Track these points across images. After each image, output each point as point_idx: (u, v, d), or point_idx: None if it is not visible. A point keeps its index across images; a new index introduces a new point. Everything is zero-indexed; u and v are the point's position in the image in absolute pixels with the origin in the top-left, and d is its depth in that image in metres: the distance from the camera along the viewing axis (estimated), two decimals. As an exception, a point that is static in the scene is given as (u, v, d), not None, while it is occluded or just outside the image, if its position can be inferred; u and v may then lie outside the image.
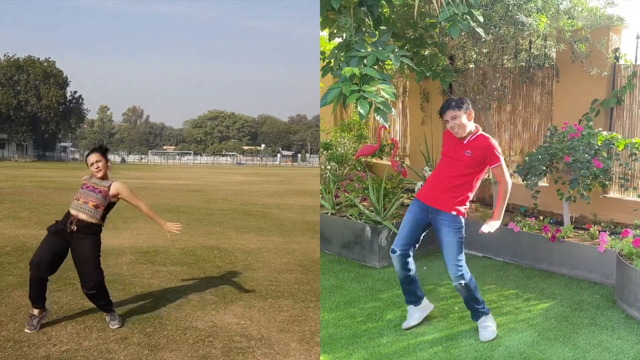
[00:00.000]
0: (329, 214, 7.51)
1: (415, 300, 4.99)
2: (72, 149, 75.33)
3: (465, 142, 4.64)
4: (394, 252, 4.83)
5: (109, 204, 4.56)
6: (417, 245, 4.88)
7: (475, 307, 4.77)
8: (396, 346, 4.55)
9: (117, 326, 4.48)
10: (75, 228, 4.40)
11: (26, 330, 4.36)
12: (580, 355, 4.36)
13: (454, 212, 4.62)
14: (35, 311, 4.46)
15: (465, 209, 4.68)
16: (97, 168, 4.54)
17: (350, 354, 4.44)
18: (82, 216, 4.43)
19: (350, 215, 7.27)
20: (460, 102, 4.64)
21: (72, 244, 4.44)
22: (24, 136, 59.91)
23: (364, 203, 7.78)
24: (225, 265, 6.87)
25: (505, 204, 4.70)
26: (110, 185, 4.54)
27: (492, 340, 4.63)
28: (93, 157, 4.57)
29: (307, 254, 7.62)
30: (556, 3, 6.94)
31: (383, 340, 4.66)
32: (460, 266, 4.61)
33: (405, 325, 4.92)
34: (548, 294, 5.75)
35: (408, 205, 7.89)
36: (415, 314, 4.98)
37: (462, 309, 5.30)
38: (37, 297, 4.45)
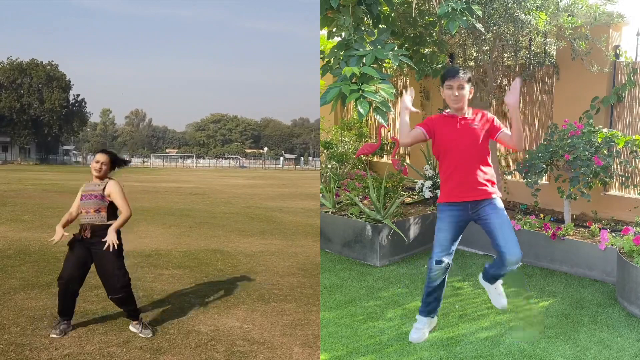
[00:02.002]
0: (330, 213, 7.52)
1: (433, 310, 4.70)
2: (75, 152, 75.57)
3: (466, 116, 4.39)
4: (440, 263, 4.51)
5: (110, 203, 4.46)
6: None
7: (501, 275, 4.56)
8: (397, 345, 4.55)
9: (150, 335, 4.39)
10: (90, 235, 4.38)
11: (52, 335, 4.31)
12: (580, 353, 4.35)
13: (494, 195, 4.41)
14: (65, 321, 4.45)
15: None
16: (98, 168, 4.47)
17: (351, 352, 4.43)
18: (93, 224, 4.42)
19: (351, 214, 7.28)
20: (469, 76, 4.39)
21: (94, 252, 4.38)
22: (27, 139, 60.08)
23: (365, 202, 7.79)
24: (228, 268, 6.86)
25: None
26: (105, 185, 4.47)
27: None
28: (100, 157, 4.53)
29: (310, 258, 7.61)
30: (556, 0, 6.94)
31: (384, 339, 4.66)
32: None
33: (418, 338, 4.61)
34: (549, 291, 5.75)
35: (409, 204, 8.00)
36: (425, 328, 4.68)
37: (462, 307, 5.31)
38: (68, 310, 4.48)
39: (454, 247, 4.60)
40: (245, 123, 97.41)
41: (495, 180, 4.49)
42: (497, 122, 4.44)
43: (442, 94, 4.47)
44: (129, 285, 4.44)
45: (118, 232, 4.44)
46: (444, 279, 4.65)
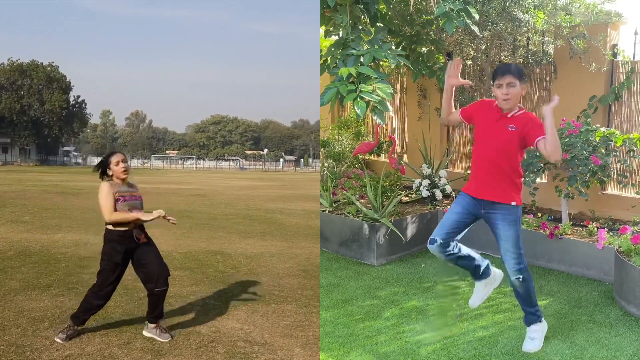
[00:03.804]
0: (327, 212, 7.53)
1: (481, 275, 4.51)
2: (75, 153, 75.55)
3: (509, 115, 4.14)
4: (432, 242, 4.30)
5: None
6: (460, 237, 4.40)
7: (528, 310, 4.44)
8: (394, 344, 4.56)
9: (168, 339, 4.34)
10: (143, 239, 4.34)
11: (57, 340, 4.25)
12: (578, 353, 4.36)
13: (513, 202, 4.20)
14: (76, 327, 4.37)
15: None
16: (124, 168, 4.34)
17: (348, 352, 4.44)
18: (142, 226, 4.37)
19: (348, 212, 7.28)
20: (523, 72, 4.12)
21: (137, 251, 4.35)
22: (27, 140, 60.06)
23: (362, 200, 7.79)
24: (229, 270, 6.85)
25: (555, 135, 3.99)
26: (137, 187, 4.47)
27: (533, 352, 4.36)
28: (120, 156, 4.37)
29: (310, 259, 7.60)
30: (553, -1, 6.96)
31: (381, 338, 4.67)
32: (520, 259, 4.25)
33: (471, 302, 4.61)
34: (546, 291, 5.76)
35: (406, 203, 8.02)
36: (481, 290, 4.58)
37: (460, 306, 5.32)
38: (85, 319, 4.42)
39: (457, 232, 4.36)
40: (245, 125, 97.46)
41: (518, 189, 4.29)
42: (538, 125, 4.09)
43: (494, 93, 4.19)
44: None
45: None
46: (452, 255, 4.36)
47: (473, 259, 4.47)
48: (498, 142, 4.15)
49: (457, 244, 4.40)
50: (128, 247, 4.31)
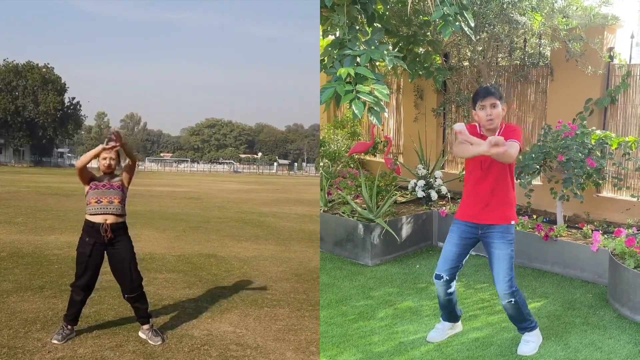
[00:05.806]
0: (322, 211, 7.51)
1: (453, 318, 4.68)
2: (69, 155, 75.40)
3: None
4: (439, 278, 4.39)
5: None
6: (462, 266, 4.48)
7: (521, 325, 4.43)
8: (387, 344, 4.54)
9: (159, 342, 4.30)
10: (112, 235, 4.28)
11: (54, 341, 4.22)
12: (572, 355, 4.35)
13: (512, 222, 4.27)
14: (69, 327, 4.35)
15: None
16: (107, 164, 4.34)
17: (342, 352, 4.42)
18: (111, 218, 4.29)
19: (343, 212, 7.27)
20: (500, 93, 4.22)
21: (110, 250, 4.33)
22: (21, 141, 59.94)
23: (357, 200, 7.78)
24: (222, 273, 6.82)
25: (493, 149, 3.73)
26: (122, 178, 4.42)
27: (528, 355, 4.35)
28: (109, 151, 4.35)
29: (304, 263, 7.58)
30: (551, 2, 6.97)
31: (374, 339, 4.66)
32: (512, 282, 4.21)
33: (431, 337, 4.62)
34: (540, 292, 5.75)
35: (401, 203, 8.00)
36: (446, 331, 4.67)
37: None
38: (77, 316, 4.40)
39: (461, 264, 4.46)
40: (240, 128, 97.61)
41: (514, 204, 4.33)
42: (513, 133, 4.16)
43: (475, 117, 4.25)
44: (141, 284, 4.46)
45: (127, 229, 4.45)
46: (450, 295, 4.50)
47: (456, 301, 4.63)
48: (492, 165, 4.17)
49: (455, 285, 4.51)
50: (97, 241, 4.29)
